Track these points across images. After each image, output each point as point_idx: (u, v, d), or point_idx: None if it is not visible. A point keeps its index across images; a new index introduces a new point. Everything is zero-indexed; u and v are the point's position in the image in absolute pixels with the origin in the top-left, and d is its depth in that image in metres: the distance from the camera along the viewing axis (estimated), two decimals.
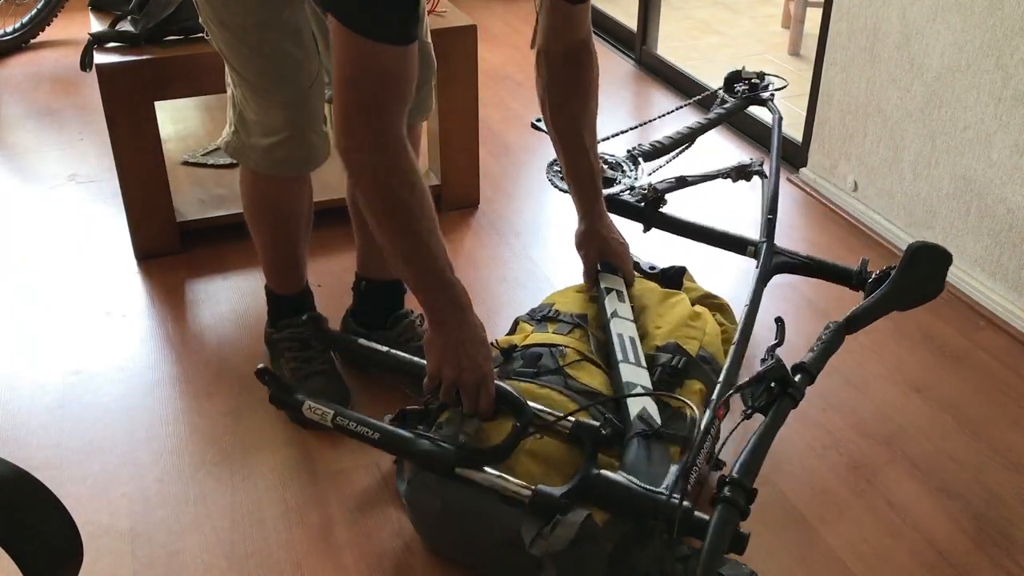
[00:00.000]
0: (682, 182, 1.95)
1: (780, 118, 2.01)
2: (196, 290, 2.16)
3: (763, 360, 1.52)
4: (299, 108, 1.58)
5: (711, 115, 2.12)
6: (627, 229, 1.80)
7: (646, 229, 1.86)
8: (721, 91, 2.20)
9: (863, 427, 1.75)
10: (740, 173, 2.01)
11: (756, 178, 2.21)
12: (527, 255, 2.31)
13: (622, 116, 3.12)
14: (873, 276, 1.66)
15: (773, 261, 1.77)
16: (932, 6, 2.12)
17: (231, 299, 2.11)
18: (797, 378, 1.50)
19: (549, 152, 1.80)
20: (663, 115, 2.18)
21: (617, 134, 2.11)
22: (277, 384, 1.53)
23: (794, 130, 2.77)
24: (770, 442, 1.34)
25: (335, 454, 1.66)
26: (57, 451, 1.68)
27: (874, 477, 1.64)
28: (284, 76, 1.54)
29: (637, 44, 3.50)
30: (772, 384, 1.44)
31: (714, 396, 1.48)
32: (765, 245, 1.78)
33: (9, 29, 3.52)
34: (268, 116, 1.57)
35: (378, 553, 1.47)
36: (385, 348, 1.64)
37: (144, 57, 2.08)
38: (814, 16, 2.96)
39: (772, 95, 2.14)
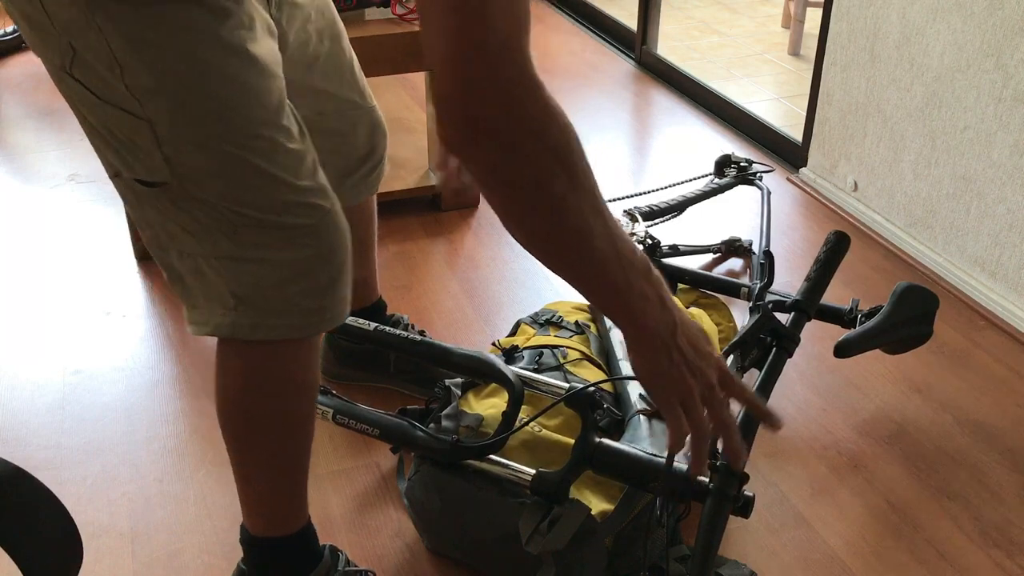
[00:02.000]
0: (675, 250, 2.17)
1: (769, 193, 2.26)
2: None
3: (751, 309, 1.51)
4: (334, 211, 1.14)
5: (706, 188, 2.36)
6: None
7: None
8: (712, 175, 2.45)
9: (863, 427, 1.75)
10: (730, 248, 2.28)
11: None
12: (527, 255, 2.29)
13: (622, 116, 3.12)
14: (863, 313, 1.76)
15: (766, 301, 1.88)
16: (932, 6, 2.12)
17: None
18: (790, 319, 1.48)
19: None
20: (655, 190, 2.42)
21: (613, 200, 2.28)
22: None
23: (794, 130, 2.77)
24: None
25: (335, 454, 1.66)
26: (57, 451, 1.68)
27: (874, 477, 1.64)
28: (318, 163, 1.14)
29: (637, 44, 3.50)
30: (764, 336, 1.41)
31: None
32: (759, 288, 1.88)
33: (9, 29, 3.51)
34: (296, 240, 1.09)
35: (378, 553, 1.47)
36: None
37: None
38: (814, 16, 2.96)
39: (760, 176, 2.39)
